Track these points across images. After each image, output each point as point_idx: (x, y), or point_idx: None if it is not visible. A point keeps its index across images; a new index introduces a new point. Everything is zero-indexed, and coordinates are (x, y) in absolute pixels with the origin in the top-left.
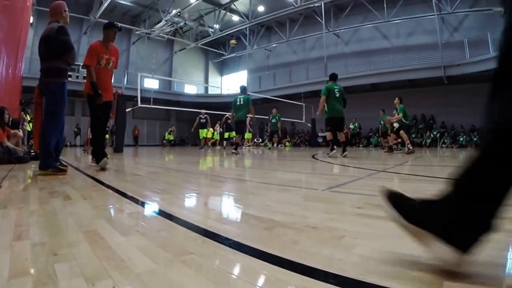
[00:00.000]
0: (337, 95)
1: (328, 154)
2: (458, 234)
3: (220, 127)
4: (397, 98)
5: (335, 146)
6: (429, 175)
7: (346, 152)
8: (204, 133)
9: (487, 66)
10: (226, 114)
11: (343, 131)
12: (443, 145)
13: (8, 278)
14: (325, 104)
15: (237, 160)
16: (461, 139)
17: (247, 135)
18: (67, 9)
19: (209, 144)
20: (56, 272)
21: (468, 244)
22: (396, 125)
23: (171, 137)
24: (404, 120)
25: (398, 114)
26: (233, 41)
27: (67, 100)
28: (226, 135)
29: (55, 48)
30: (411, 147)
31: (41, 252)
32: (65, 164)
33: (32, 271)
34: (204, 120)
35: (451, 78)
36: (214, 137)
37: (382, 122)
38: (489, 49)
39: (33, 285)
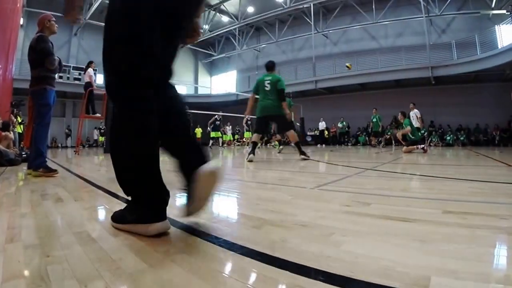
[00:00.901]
0: (268, 88)
1: (247, 158)
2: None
3: (209, 127)
4: (411, 104)
5: (257, 150)
6: (415, 173)
7: (303, 156)
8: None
9: (475, 67)
10: (215, 115)
11: (287, 130)
12: (431, 144)
13: (1, 281)
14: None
15: (227, 159)
16: (448, 138)
17: (247, 134)
18: (52, 19)
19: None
20: (49, 274)
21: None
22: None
23: None
24: (411, 136)
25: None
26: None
27: (52, 104)
28: (212, 134)
29: (36, 57)
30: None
31: (34, 255)
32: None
33: (25, 273)
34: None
35: (439, 79)
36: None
37: (374, 120)
38: (477, 50)
39: (26, 287)
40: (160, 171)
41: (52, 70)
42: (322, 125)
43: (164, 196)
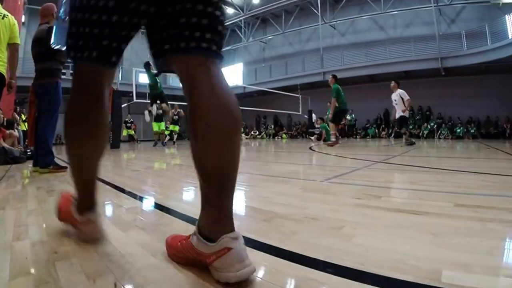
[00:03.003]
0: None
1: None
2: None
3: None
4: (393, 82)
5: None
6: (425, 166)
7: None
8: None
9: (485, 58)
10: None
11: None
12: (441, 137)
13: (9, 278)
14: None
15: None
16: (458, 130)
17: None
18: (56, 10)
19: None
20: (57, 270)
21: None
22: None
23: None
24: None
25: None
26: None
27: (62, 99)
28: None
29: (46, 49)
30: (334, 138)
31: (41, 251)
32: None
33: (32, 270)
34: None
35: (448, 70)
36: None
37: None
38: (487, 41)
39: (34, 284)
40: None
41: (63, 63)
42: (314, 117)
43: None
